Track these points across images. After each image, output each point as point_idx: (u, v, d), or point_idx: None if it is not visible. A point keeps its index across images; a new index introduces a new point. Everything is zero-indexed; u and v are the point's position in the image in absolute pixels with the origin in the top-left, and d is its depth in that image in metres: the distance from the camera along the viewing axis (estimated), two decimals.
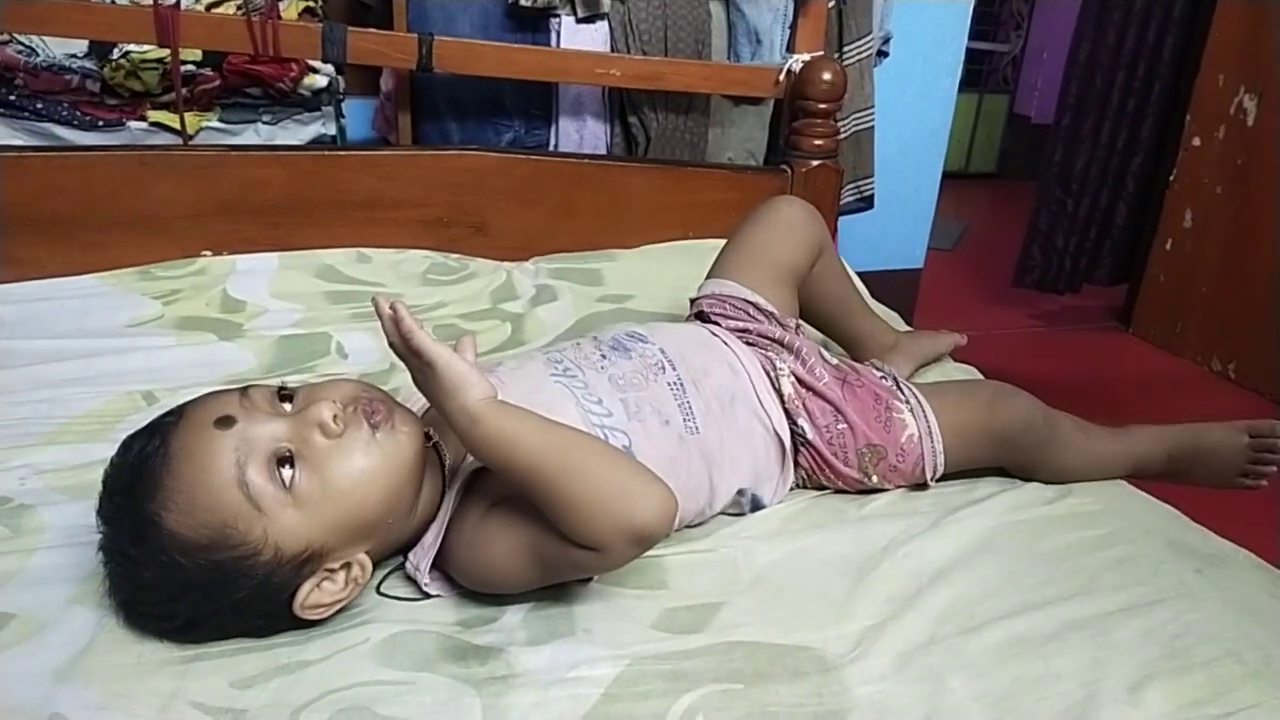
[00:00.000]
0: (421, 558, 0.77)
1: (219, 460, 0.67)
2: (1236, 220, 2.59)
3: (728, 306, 1.04)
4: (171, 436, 0.69)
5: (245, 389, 0.74)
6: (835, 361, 1.01)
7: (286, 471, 0.69)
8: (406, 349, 0.71)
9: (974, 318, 2.93)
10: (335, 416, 0.71)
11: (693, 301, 1.09)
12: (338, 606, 0.73)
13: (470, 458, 0.79)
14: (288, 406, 0.73)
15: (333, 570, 0.72)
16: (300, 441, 0.70)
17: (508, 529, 0.74)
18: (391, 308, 0.71)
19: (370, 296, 0.74)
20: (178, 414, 0.71)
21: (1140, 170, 2.85)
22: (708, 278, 1.11)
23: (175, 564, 0.66)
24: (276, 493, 0.68)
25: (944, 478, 0.97)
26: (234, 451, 0.68)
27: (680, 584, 0.81)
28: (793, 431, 0.94)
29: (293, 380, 1.13)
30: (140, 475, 0.68)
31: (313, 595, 0.71)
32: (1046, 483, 0.98)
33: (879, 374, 1.00)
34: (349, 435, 0.72)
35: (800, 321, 1.07)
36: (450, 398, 0.70)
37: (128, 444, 0.71)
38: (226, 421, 0.69)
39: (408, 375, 1.15)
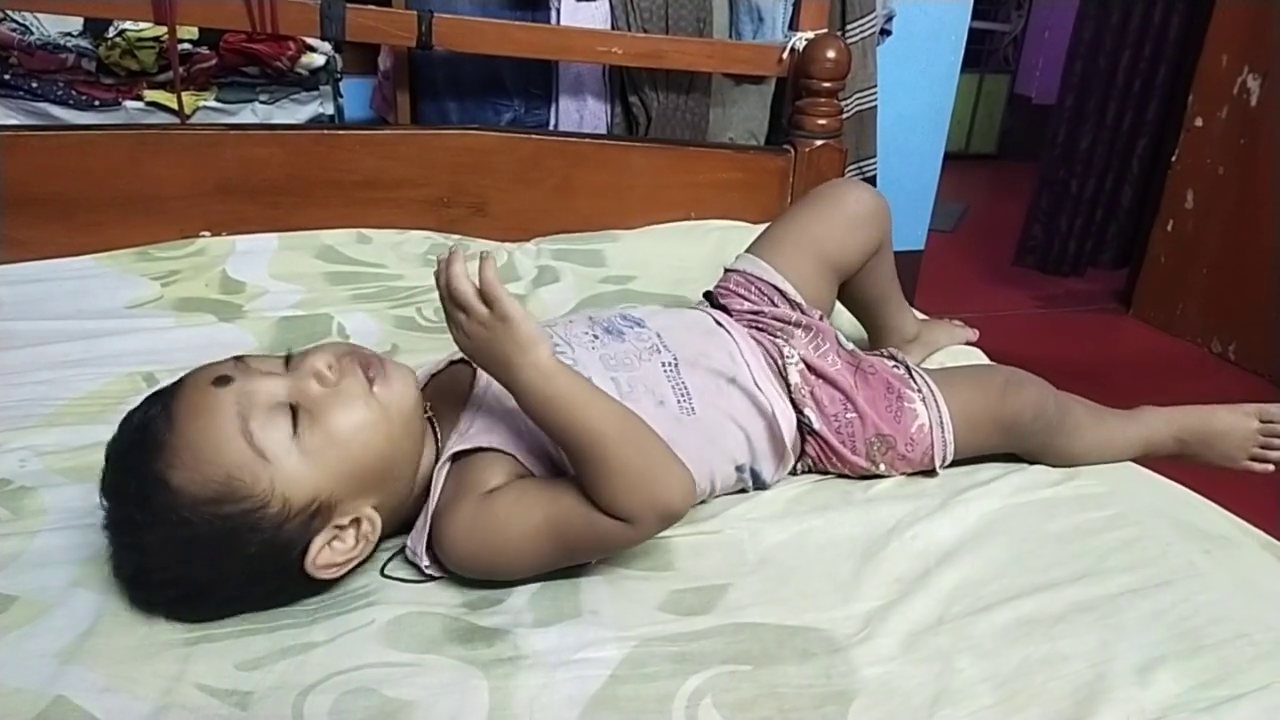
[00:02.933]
0: (417, 541, 0.77)
1: (221, 414, 0.68)
2: (1238, 201, 2.58)
3: (751, 289, 1.02)
4: (172, 400, 0.70)
5: (240, 357, 0.74)
6: (850, 347, 1.00)
7: (289, 422, 0.70)
8: (481, 297, 0.71)
9: (974, 299, 2.92)
10: (329, 365, 0.73)
11: (726, 271, 1.06)
12: (351, 565, 0.74)
13: (455, 437, 0.79)
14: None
15: (342, 527, 0.73)
16: (298, 394, 0.71)
17: (522, 510, 0.73)
18: (482, 256, 0.71)
19: (443, 252, 0.74)
20: (177, 383, 0.72)
21: (1145, 152, 2.84)
22: (749, 250, 1.07)
23: (183, 521, 0.66)
24: (281, 440, 0.69)
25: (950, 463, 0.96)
26: (235, 405, 0.69)
27: (687, 566, 0.81)
28: (799, 421, 0.93)
29: None
30: (143, 437, 0.69)
31: (324, 554, 0.72)
32: (1055, 466, 0.97)
33: (891, 363, 0.99)
34: (346, 384, 0.73)
35: (826, 315, 1.05)
36: (524, 353, 0.70)
37: (128, 416, 0.72)
38: (224, 380, 0.70)
39: (411, 356, 1.16)
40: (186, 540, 0.67)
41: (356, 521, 0.73)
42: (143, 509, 0.68)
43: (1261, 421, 1.03)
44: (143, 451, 0.68)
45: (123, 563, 0.71)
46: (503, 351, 0.71)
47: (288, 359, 0.75)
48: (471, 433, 0.79)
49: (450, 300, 0.72)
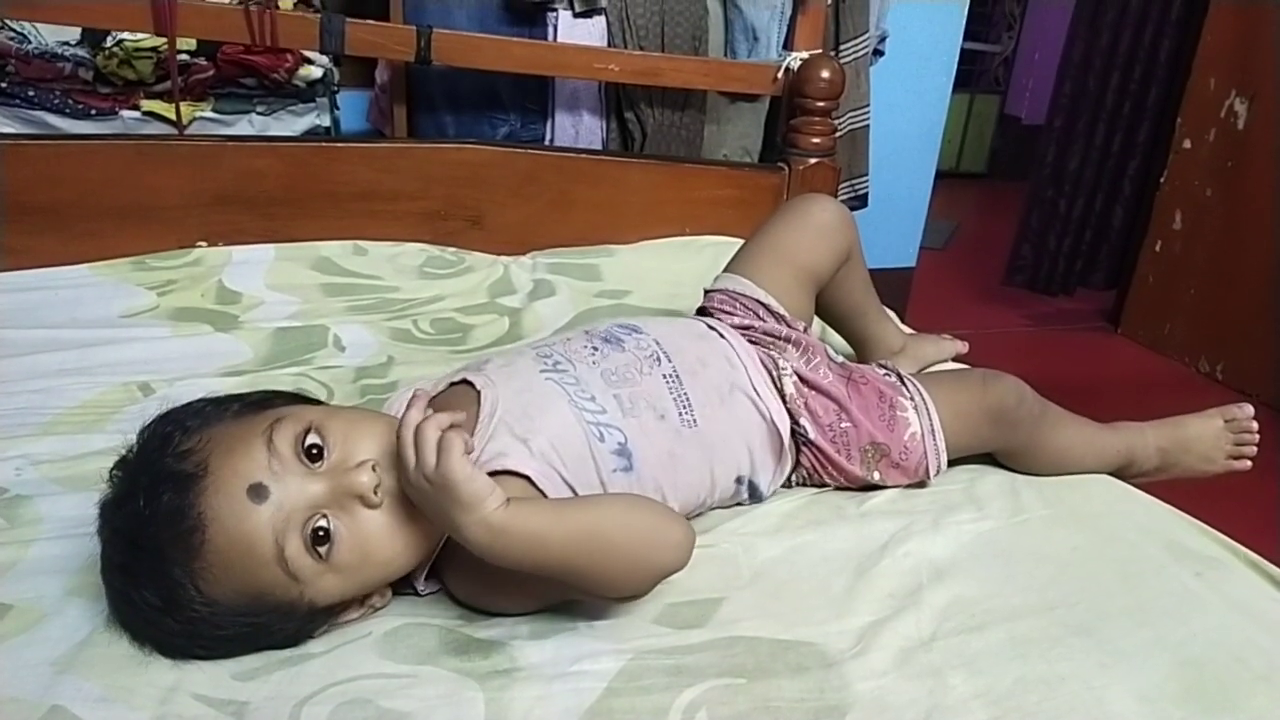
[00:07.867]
0: (419, 571, 0.77)
1: (255, 537, 0.65)
2: (1226, 223, 2.61)
3: (737, 306, 1.02)
4: (203, 500, 0.65)
5: (271, 434, 0.68)
6: (840, 359, 1.02)
7: (323, 544, 0.68)
8: (428, 461, 0.66)
9: (964, 317, 2.94)
10: (376, 488, 0.69)
11: (706, 292, 1.07)
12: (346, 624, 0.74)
13: None
14: (316, 452, 0.70)
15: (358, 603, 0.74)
16: (338, 509, 0.68)
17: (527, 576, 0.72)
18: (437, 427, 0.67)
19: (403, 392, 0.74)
20: (204, 467, 0.66)
21: (1136, 173, 2.86)
22: (725, 270, 1.08)
23: (205, 620, 0.66)
24: (314, 564, 0.67)
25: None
26: (270, 530, 0.66)
27: (681, 579, 0.79)
28: (794, 431, 0.94)
29: (289, 374, 1.13)
30: (174, 540, 0.65)
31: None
32: (1045, 471, 0.99)
33: (882, 371, 1.00)
34: (389, 506, 0.70)
35: (809, 326, 1.06)
36: (467, 512, 0.65)
37: (153, 489, 0.66)
38: (259, 492, 0.66)
39: (407, 369, 1.16)
40: (205, 635, 0.67)
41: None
42: (168, 606, 0.66)
43: (1226, 421, 1.08)
44: (171, 554, 0.65)
45: (124, 618, 0.69)
46: (444, 508, 0.66)
47: (318, 450, 0.69)
48: (483, 460, 0.75)
49: (400, 443, 0.68)
